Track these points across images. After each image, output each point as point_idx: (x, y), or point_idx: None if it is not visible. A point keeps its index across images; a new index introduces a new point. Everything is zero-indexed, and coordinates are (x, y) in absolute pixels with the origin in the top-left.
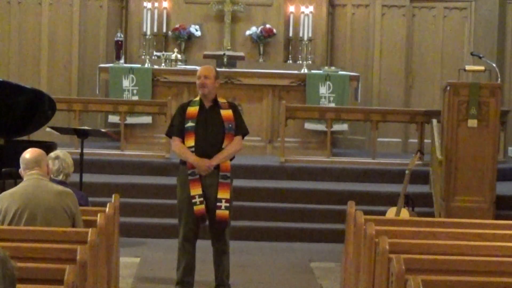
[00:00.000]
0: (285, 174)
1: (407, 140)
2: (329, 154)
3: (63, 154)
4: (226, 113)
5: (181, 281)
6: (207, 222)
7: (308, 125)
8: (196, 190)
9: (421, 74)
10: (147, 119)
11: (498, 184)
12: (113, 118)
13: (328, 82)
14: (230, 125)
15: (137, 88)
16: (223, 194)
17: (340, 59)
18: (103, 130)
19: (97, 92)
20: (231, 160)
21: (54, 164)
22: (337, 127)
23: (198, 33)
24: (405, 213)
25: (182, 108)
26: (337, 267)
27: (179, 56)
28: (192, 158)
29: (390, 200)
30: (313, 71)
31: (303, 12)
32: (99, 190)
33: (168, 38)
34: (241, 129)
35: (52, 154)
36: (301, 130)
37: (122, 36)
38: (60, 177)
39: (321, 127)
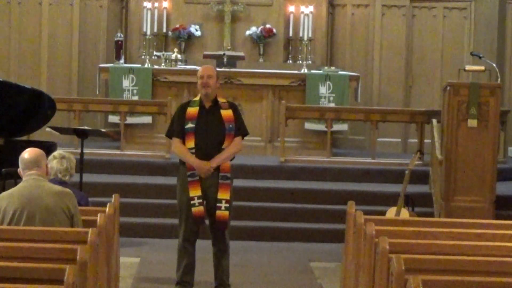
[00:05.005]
0: (285, 174)
1: (407, 140)
2: (329, 154)
3: (68, 154)
4: (227, 113)
5: (181, 281)
6: (207, 223)
7: (308, 125)
8: (195, 192)
9: (421, 74)
10: (147, 119)
11: (498, 184)
12: (113, 118)
13: (328, 82)
14: (231, 126)
15: (137, 88)
16: (223, 195)
17: (340, 59)
18: (103, 130)
19: (97, 92)
20: (231, 160)
21: (61, 164)
22: (337, 127)
23: (198, 33)
24: (405, 213)
25: (182, 109)
26: (337, 267)
27: (179, 56)
28: (192, 160)
29: (390, 200)
30: (313, 71)
31: (303, 12)
32: (99, 190)
33: (168, 38)
34: (241, 130)
35: (57, 154)
36: (301, 130)
37: (122, 36)
38: (67, 178)
39: (321, 127)
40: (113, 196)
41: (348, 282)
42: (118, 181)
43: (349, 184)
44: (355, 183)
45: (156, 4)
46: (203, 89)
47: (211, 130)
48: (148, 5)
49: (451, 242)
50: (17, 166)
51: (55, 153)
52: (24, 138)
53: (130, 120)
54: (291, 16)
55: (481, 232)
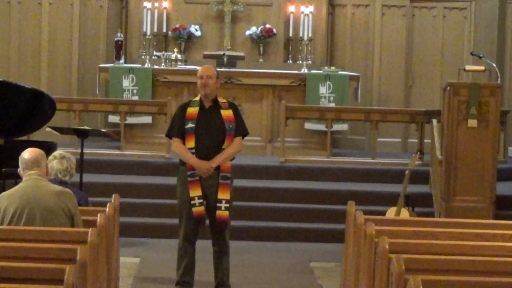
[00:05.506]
0: (285, 174)
1: (407, 140)
2: (329, 154)
3: (68, 154)
4: (227, 113)
5: (181, 281)
6: (207, 223)
7: (308, 125)
8: (195, 192)
9: (421, 74)
10: (147, 119)
11: (498, 184)
12: (113, 118)
13: (328, 82)
14: (231, 126)
15: (137, 88)
16: (223, 195)
17: (340, 59)
18: (103, 130)
19: (97, 92)
20: (231, 160)
21: (62, 164)
22: (337, 127)
23: (198, 33)
24: (405, 213)
25: (182, 109)
26: (337, 267)
27: (179, 56)
28: (192, 160)
29: (390, 200)
30: (313, 71)
31: (303, 12)
32: (99, 190)
33: (168, 38)
34: (241, 130)
35: (57, 154)
36: (301, 130)
37: (122, 36)
38: (67, 178)
39: (321, 127)
40: (113, 196)
41: (348, 282)
42: (118, 181)
43: (349, 184)
44: (355, 183)
45: (156, 4)
46: (202, 89)
47: (211, 130)
48: (148, 5)
49: (451, 242)
50: (17, 166)
51: (55, 153)
52: (24, 138)
53: (130, 120)
54: (291, 16)
55: (481, 232)
